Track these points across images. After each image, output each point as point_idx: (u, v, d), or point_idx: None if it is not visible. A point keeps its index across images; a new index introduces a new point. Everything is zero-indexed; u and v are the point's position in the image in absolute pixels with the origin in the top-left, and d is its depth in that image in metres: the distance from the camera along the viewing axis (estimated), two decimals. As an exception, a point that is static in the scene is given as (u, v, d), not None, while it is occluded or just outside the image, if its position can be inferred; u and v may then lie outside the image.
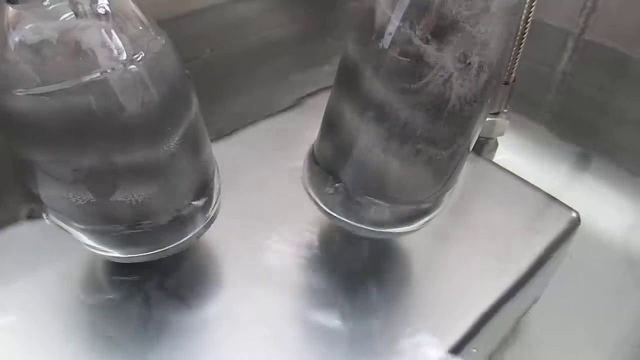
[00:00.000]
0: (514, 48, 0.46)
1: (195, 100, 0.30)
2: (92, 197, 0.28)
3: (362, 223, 0.35)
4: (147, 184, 0.29)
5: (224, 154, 0.35)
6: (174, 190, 0.30)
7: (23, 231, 0.38)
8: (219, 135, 0.46)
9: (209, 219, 0.34)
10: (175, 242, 0.33)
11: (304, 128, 0.39)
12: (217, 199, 0.35)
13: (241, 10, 0.71)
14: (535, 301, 0.46)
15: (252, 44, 0.71)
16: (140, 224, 0.30)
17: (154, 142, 0.28)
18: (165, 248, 0.32)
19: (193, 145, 0.31)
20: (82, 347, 0.32)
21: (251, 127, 0.48)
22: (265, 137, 0.47)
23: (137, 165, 0.28)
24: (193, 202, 0.32)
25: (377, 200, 0.33)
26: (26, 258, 0.36)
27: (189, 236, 0.33)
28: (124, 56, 0.25)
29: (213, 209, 0.34)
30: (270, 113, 0.50)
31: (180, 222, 0.32)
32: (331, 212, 0.35)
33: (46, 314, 0.34)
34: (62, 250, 0.36)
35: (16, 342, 0.32)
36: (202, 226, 0.33)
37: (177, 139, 0.29)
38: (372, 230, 0.35)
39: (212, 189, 0.34)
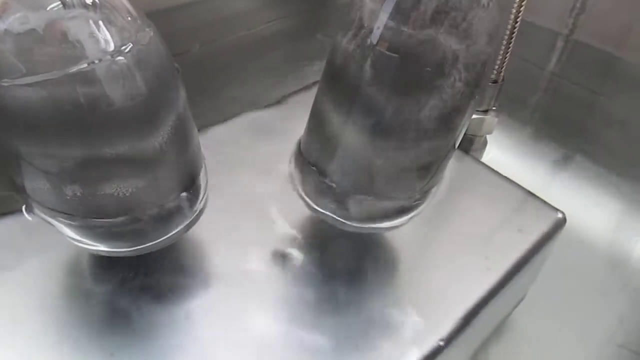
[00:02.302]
0: (504, 47, 0.46)
1: (183, 94, 0.30)
2: (77, 190, 0.28)
3: (347, 218, 0.35)
4: (134, 177, 0.29)
5: (209, 148, 0.35)
6: (161, 184, 0.30)
7: (7, 223, 0.37)
8: (203, 129, 0.45)
9: (196, 213, 0.34)
10: (162, 237, 0.32)
11: (291, 123, 0.39)
12: (205, 193, 0.34)
13: (232, 5, 0.71)
14: (520, 301, 0.47)
15: (242, 39, 0.71)
16: (126, 218, 0.30)
17: (141, 135, 0.28)
18: (152, 242, 0.32)
19: (181, 139, 0.30)
20: (63, 340, 0.32)
21: (237, 121, 0.48)
22: (252, 131, 0.47)
23: (123, 158, 0.27)
24: (180, 196, 0.32)
25: (362, 196, 0.33)
26: (9, 250, 0.36)
27: (176, 230, 0.33)
28: (112, 47, 0.25)
29: (200, 202, 0.34)
30: (257, 107, 0.50)
31: (167, 216, 0.32)
32: (316, 207, 0.35)
33: (29, 306, 0.33)
34: (46, 243, 0.36)
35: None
36: (189, 220, 0.33)
37: (164, 132, 0.28)
38: (358, 226, 0.35)
39: (199, 183, 0.34)
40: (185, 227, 0.33)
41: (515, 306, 0.47)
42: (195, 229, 0.34)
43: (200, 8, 0.67)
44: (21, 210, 0.31)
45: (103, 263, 0.36)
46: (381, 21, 0.27)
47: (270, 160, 0.43)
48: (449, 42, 0.27)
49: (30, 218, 0.31)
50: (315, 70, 0.69)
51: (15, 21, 0.23)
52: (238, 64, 0.69)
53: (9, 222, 0.37)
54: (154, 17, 0.28)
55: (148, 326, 0.33)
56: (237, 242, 0.38)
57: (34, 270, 0.35)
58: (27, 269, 0.35)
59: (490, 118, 0.51)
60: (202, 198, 0.34)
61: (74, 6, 0.24)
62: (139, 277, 0.35)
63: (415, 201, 0.35)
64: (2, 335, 0.32)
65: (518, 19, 0.45)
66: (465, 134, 0.33)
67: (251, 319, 0.34)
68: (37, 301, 0.34)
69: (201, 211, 0.34)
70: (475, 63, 0.28)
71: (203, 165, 0.34)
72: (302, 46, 0.76)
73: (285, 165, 0.37)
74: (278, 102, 0.51)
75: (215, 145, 0.39)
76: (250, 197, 0.41)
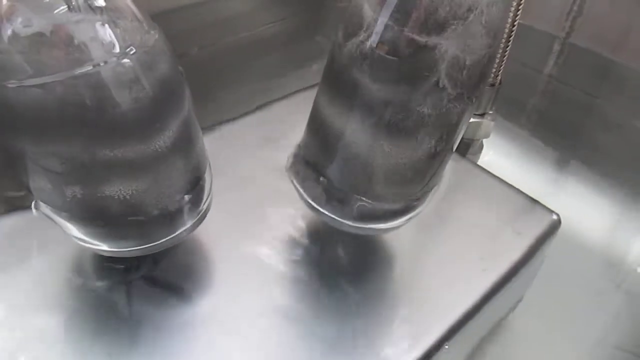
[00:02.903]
0: (501, 50, 0.46)
1: (188, 96, 0.30)
2: (81, 190, 0.28)
3: (346, 218, 0.35)
4: (138, 179, 0.29)
5: (210, 148, 0.35)
6: (165, 186, 0.30)
7: (12, 221, 0.38)
8: (205, 130, 0.46)
9: (200, 214, 0.34)
10: (165, 237, 0.33)
11: (291, 124, 0.39)
12: (209, 194, 0.35)
13: (231, 7, 0.71)
14: (517, 303, 0.47)
15: (241, 41, 0.71)
16: (130, 218, 0.30)
17: (145, 137, 0.28)
18: (155, 243, 0.32)
19: (185, 141, 0.31)
20: (68, 338, 0.32)
21: (238, 122, 0.48)
22: (252, 132, 0.47)
23: (128, 159, 0.28)
24: (184, 197, 0.32)
25: (361, 196, 0.33)
26: (14, 248, 0.36)
27: (179, 231, 0.33)
28: (117, 50, 0.25)
29: (204, 204, 0.34)
30: (257, 109, 0.50)
31: (171, 218, 0.32)
32: (317, 207, 0.36)
33: (30, 304, 0.34)
34: (50, 242, 0.36)
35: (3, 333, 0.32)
36: (193, 222, 0.33)
37: (169, 134, 0.29)
38: (356, 226, 0.35)
39: (203, 185, 0.34)
40: (189, 228, 0.33)
41: (513, 308, 0.47)
42: (199, 229, 0.35)
43: (200, 10, 0.67)
44: (26, 208, 0.31)
45: (108, 260, 0.36)
46: (380, 25, 0.27)
47: (270, 161, 0.43)
48: (447, 46, 0.27)
49: (37, 215, 0.31)
50: (315, 72, 0.69)
51: (22, 24, 0.24)
52: (238, 65, 0.69)
53: (14, 220, 0.37)
54: (154, 19, 0.29)
55: (148, 326, 0.33)
56: (239, 242, 0.38)
57: (37, 268, 0.35)
58: (30, 267, 0.35)
59: (487, 122, 0.51)
60: (206, 200, 0.34)
61: (79, 9, 0.24)
62: (142, 277, 0.35)
63: (414, 202, 0.35)
64: (2, 332, 0.32)
65: (515, 22, 0.45)
66: (462, 137, 0.34)
67: (250, 319, 0.34)
68: (39, 299, 0.34)
69: (205, 212, 0.34)
70: (474, 67, 0.28)
71: (208, 167, 0.35)
72: (301, 48, 0.76)
73: (285, 164, 0.37)
74: (278, 103, 0.51)
75: (216, 146, 0.39)
76: (252, 198, 0.41)
